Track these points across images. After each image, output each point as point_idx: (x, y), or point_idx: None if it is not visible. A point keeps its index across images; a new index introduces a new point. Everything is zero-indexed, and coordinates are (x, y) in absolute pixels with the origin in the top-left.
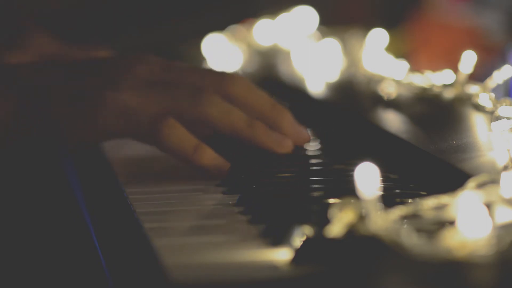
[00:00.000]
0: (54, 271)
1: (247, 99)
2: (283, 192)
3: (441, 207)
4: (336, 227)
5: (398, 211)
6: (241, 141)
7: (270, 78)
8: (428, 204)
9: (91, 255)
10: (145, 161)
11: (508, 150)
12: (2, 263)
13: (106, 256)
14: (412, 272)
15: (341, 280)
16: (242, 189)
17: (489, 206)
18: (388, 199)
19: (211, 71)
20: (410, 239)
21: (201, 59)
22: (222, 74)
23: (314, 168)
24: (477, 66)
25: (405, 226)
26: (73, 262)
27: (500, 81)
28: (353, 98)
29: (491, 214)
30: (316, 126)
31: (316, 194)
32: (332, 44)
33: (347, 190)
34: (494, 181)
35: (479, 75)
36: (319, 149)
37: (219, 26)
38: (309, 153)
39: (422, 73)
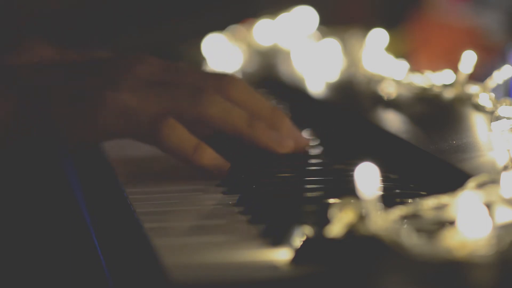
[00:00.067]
0: (54, 271)
1: (246, 102)
2: (283, 192)
3: (441, 207)
4: (336, 227)
5: (398, 211)
6: (241, 141)
7: (270, 78)
8: (428, 204)
9: (91, 255)
10: (145, 161)
11: (508, 150)
12: (2, 263)
13: (106, 256)
14: (412, 272)
15: (341, 280)
16: (242, 189)
17: (489, 206)
18: (388, 199)
19: (211, 73)
20: (410, 239)
21: (201, 59)
22: (222, 76)
23: (314, 168)
24: (477, 66)
25: (405, 226)
26: (73, 262)
27: (500, 81)
28: (353, 98)
29: (491, 214)
30: (316, 126)
31: (316, 194)
32: (332, 44)
33: (347, 190)
34: (494, 181)
35: (479, 75)
36: (319, 149)
37: (219, 26)
38: (309, 153)
39: (422, 73)
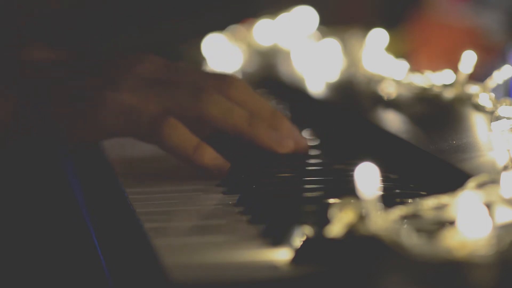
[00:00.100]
0: (54, 271)
1: (246, 102)
2: (283, 192)
3: (441, 207)
4: (336, 227)
5: (398, 211)
6: (241, 141)
7: (270, 78)
8: (428, 204)
9: (91, 255)
10: (145, 161)
11: (508, 150)
12: (2, 263)
13: (106, 256)
14: (412, 272)
15: (341, 280)
16: (242, 189)
17: (489, 206)
18: (388, 199)
19: (211, 73)
20: (410, 239)
21: (201, 59)
22: (222, 76)
23: (314, 168)
24: (477, 66)
25: (405, 226)
26: (73, 262)
27: (500, 81)
28: (353, 98)
29: (491, 214)
30: (316, 126)
31: (316, 194)
32: (332, 44)
33: (347, 190)
34: (494, 181)
35: (479, 75)
36: (319, 149)
37: (219, 26)
38: (309, 153)
39: (422, 73)
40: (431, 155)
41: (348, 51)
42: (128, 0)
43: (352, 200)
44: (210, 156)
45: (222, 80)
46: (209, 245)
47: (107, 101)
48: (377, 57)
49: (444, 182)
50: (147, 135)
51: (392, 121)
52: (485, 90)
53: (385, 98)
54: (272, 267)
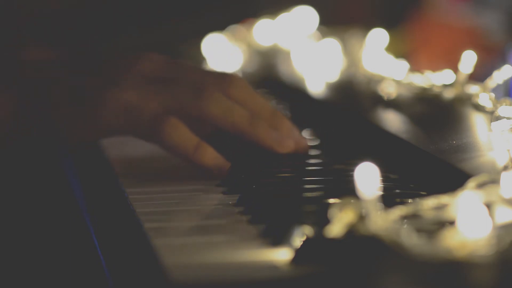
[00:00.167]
0: (54, 271)
1: (247, 101)
2: (283, 192)
3: (441, 207)
4: (336, 227)
5: (398, 211)
6: (241, 140)
7: (270, 78)
8: (428, 204)
9: (91, 255)
10: (145, 161)
11: (508, 150)
12: (2, 263)
13: (106, 256)
14: (412, 272)
15: (341, 280)
16: (242, 189)
17: (489, 206)
18: (388, 199)
19: (211, 71)
20: (410, 239)
21: (201, 59)
22: (223, 75)
23: (314, 168)
24: (477, 66)
25: (405, 226)
26: (73, 262)
27: (500, 81)
28: (353, 98)
29: (491, 214)
30: (316, 126)
31: (316, 194)
32: (332, 44)
33: (347, 190)
34: (494, 181)
35: (479, 75)
36: (319, 149)
37: (219, 26)
38: (309, 153)
39: (422, 73)
40: (431, 155)
41: (348, 51)
42: (128, 0)
43: (352, 200)
44: (210, 155)
45: (222, 78)
46: (209, 245)
47: (107, 100)
48: (377, 57)
49: (444, 182)
50: (147, 134)
51: (392, 121)
52: (485, 90)
53: (385, 98)
54: (272, 267)
